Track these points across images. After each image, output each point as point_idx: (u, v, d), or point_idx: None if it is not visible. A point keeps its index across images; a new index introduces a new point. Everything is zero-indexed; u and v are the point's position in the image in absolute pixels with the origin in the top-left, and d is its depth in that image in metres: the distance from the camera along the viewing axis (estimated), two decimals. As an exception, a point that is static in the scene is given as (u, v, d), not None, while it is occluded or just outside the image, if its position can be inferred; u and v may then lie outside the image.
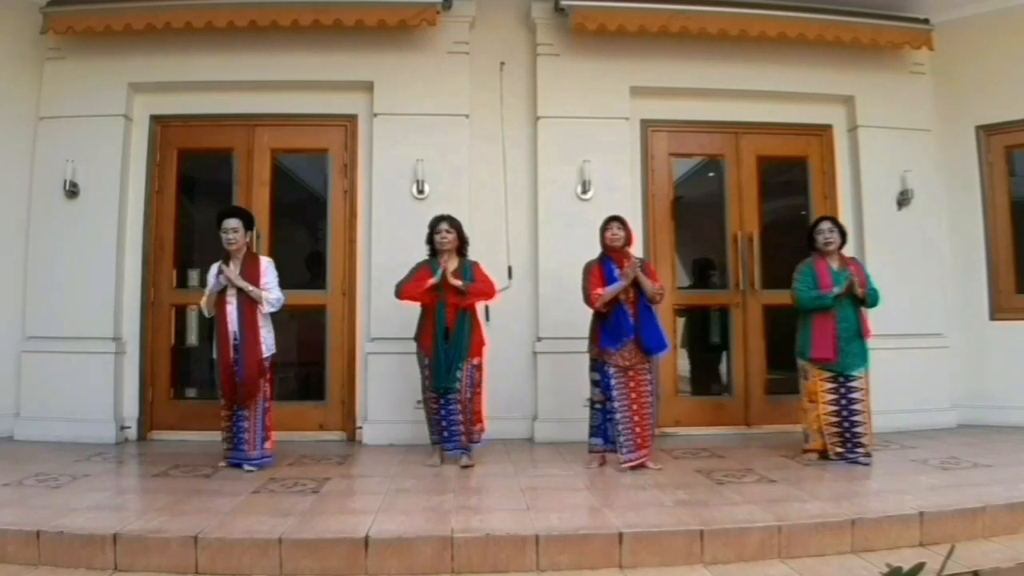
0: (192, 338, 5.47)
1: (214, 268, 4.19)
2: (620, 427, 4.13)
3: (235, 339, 4.03)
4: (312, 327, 5.43)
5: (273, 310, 4.15)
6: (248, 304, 4.07)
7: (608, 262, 4.26)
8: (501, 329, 5.14)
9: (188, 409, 5.35)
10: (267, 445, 4.16)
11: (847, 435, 4.21)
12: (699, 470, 4.11)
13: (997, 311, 5.60)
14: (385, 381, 5.06)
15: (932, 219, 5.69)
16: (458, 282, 4.12)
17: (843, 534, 3.03)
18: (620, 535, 2.93)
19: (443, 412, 4.20)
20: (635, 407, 4.13)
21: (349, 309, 5.33)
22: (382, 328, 5.11)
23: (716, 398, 5.90)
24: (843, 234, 4.40)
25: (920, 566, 1.39)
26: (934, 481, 3.75)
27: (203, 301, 4.18)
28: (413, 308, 4.33)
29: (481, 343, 4.33)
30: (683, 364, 5.98)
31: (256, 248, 5.18)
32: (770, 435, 5.26)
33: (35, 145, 5.24)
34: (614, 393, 4.14)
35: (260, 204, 5.34)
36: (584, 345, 4.80)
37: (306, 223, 6.40)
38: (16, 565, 2.83)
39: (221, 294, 4.10)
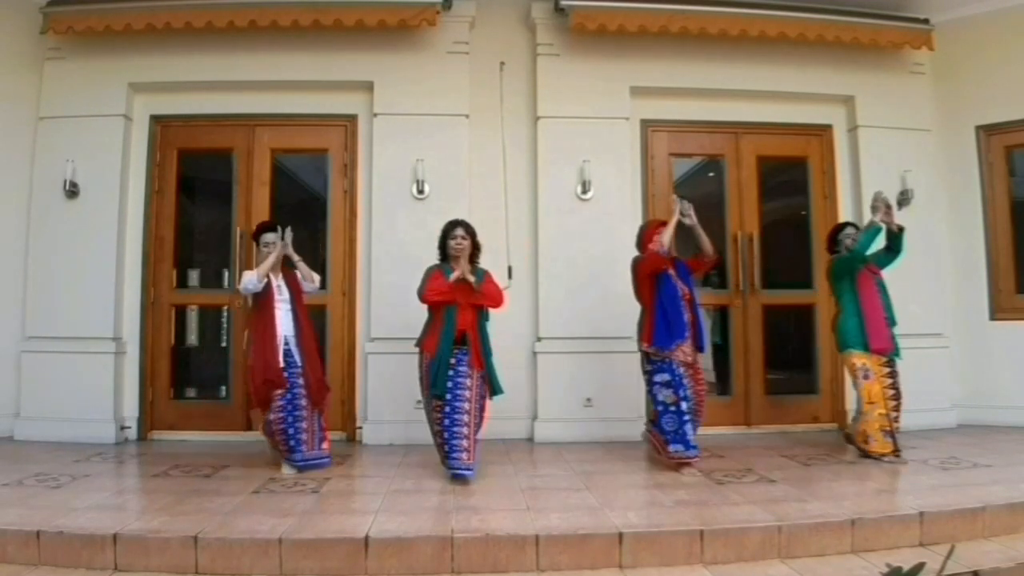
0: (192, 338, 5.48)
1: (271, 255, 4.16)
2: (688, 423, 3.95)
3: (286, 343, 4.08)
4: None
5: (314, 288, 4.32)
6: (304, 311, 4.21)
7: None
8: (501, 329, 5.11)
9: (188, 409, 5.35)
10: (324, 445, 4.20)
11: (895, 427, 4.20)
12: (699, 470, 4.10)
13: (997, 311, 5.60)
14: (385, 381, 5.06)
15: (932, 219, 5.67)
16: (471, 277, 3.87)
17: (843, 534, 3.03)
18: (620, 535, 2.92)
19: (447, 422, 3.80)
20: (699, 399, 4.13)
21: (349, 309, 5.33)
22: (382, 328, 5.11)
23: (716, 398, 5.90)
24: None
25: (920, 566, 1.39)
26: (934, 481, 3.75)
27: (257, 271, 4.07)
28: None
29: (489, 353, 4.03)
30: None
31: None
32: (770, 435, 5.26)
33: (35, 145, 5.24)
34: (687, 392, 4.00)
35: (260, 204, 5.35)
36: (586, 345, 4.82)
37: (306, 223, 6.39)
38: (16, 565, 2.83)
39: (270, 300, 4.08)
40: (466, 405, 3.80)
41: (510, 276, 5.28)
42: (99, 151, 5.18)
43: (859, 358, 4.23)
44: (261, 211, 5.33)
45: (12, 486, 3.65)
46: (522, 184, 5.44)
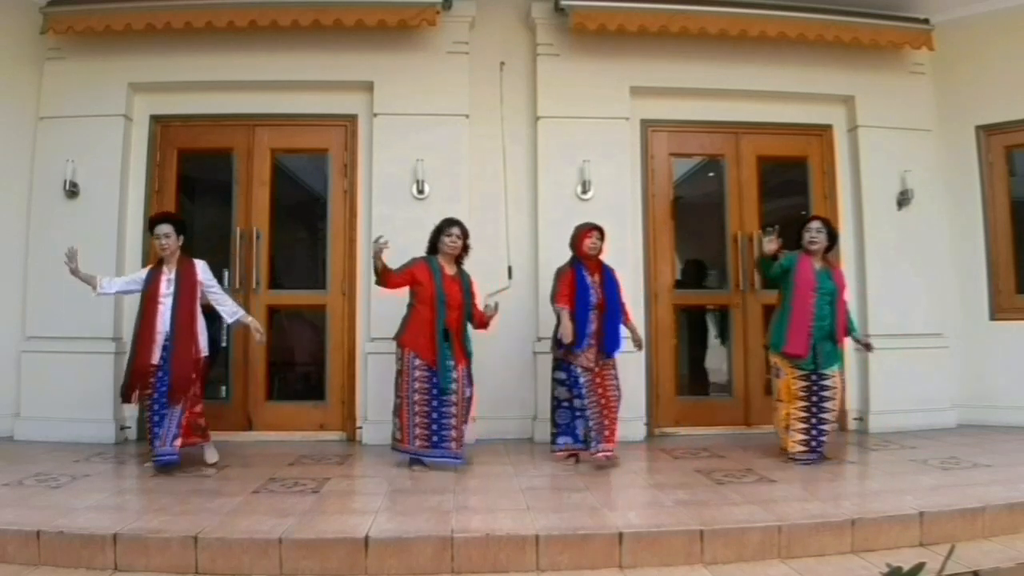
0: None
1: (143, 272, 4.26)
2: (591, 422, 4.22)
3: (165, 339, 4.07)
4: (312, 327, 5.42)
5: (233, 322, 4.30)
6: (186, 306, 4.09)
7: (580, 268, 4.32)
8: (501, 329, 5.11)
9: (188, 409, 5.33)
10: (176, 443, 4.02)
11: (813, 432, 4.19)
12: (699, 470, 4.11)
13: (997, 311, 5.60)
14: (385, 381, 5.02)
15: (932, 219, 5.68)
16: (497, 316, 4.28)
17: (843, 534, 3.03)
18: (620, 535, 2.93)
19: (435, 414, 4.08)
20: (603, 402, 4.26)
21: (349, 309, 5.33)
22: (382, 328, 5.09)
23: (716, 398, 5.90)
24: (831, 237, 4.39)
25: (920, 566, 1.39)
26: (934, 481, 3.75)
27: (100, 286, 4.19)
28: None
29: (470, 352, 4.34)
30: (683, 364, 5.98)
31: (256, 248, 5.23)
32: (770, 435, 5.23)
33: (35, 145, 5.23)
34: (584, 391, 4.24)
35: (260, 204, 5.36)
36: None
37: (306, 223, 6.40)
38: (16, 565, 2.83)
39: (154, 294, 4.11)
40: (454, 398, 4.09)
41: (510, 276, 5.28)
42: (99, 151, 5.18)
43: (774, 357, 4.37)
44: (261, 211, 5.33)
45: (12, 486, 3.65)
46: (522, 184, 5.44)
